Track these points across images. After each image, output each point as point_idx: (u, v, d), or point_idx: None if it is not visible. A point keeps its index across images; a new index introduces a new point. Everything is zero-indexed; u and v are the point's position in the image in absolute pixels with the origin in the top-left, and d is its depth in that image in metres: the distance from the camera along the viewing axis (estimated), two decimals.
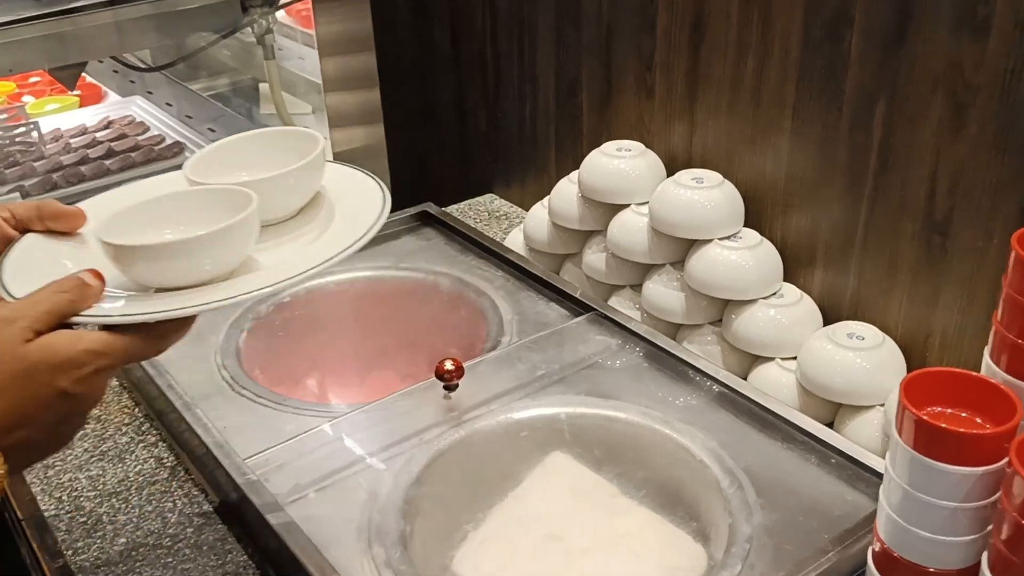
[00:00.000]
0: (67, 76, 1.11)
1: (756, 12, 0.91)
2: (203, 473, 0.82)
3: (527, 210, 1.20)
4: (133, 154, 1.26)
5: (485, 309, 1.04)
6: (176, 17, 1.08)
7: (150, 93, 1.55)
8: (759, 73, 0.92)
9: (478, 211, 1.33)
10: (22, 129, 1.29)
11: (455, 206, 1.33)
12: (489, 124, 1.34)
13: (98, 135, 1.34)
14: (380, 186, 0.76)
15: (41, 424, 0.58)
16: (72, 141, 1.32)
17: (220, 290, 0.64)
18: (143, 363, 0.91)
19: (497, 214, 1.32)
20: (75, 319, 0.60)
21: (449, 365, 0.85)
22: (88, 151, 1.28)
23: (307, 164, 0.73)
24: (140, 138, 1.32)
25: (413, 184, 1.43)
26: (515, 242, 1.18)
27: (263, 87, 1.51)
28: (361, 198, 0.75)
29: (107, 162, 1.24)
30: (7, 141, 1.28)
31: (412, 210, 1.20)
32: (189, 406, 0.85)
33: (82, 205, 0.71)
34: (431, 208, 1.20)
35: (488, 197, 1.37)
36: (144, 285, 0.66)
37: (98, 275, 0.63)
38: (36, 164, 1.24)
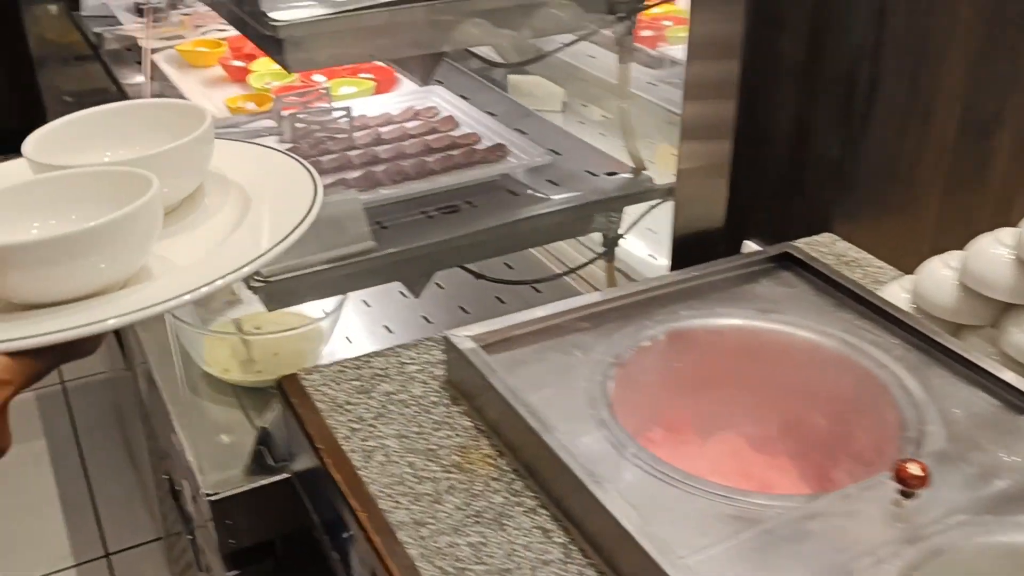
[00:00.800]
0: (421, 67, 1.02)
1: None
2: (613, 566, 0.70)
3: (879, 258, 1.05)
4: (454, 153, 1.15)
5: (887, 384, 0.88)
6: (538, 11, 0.96)
7: (439, 82, 1.45)
8: None
9: (820, 252, 1.17)
10: (338, 114, 1.20)
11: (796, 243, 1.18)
12: (845, 152, 1.18)
13: (407, 126, 1.24)
14: (307, 169, 0.66)
15: None
16: (382, 131, 1.23)
17: (129, 298, 0.52)
18: (508, 409, 0.80)
19: (844, 258, 1.16)
20: None
21: (915, 469, 0.70)
22: (402, 145, 1.18)
23: (197, 138, 0.63)
24: (454, 135, 1.22)
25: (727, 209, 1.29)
26: (894, 298, 1.02)
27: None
28: (282, 183, 0.65)
29: (428, 160, 1.14)
30: (317, 126, 1.20)
31: (772, 250, 1.06)
32: (588, 483, 0.72)
33: None
34: (795, 250, 1.06)
35: (827, 237, 1.21)
36: (11, 299, 0.53)
37: None
38: (351, 155, 1.15)
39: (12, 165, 0.67)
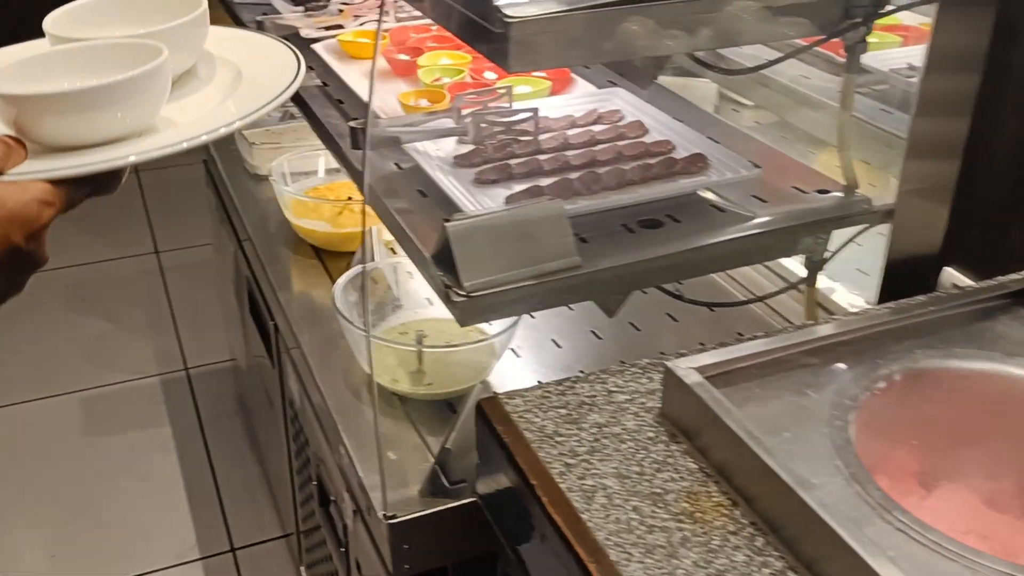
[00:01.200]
0: (641, 70, 0.95)
1: None
2: None
3: None
4: (651, 162, 1.08)
5: None
6: (776, 17, 0.88)
7: (612, 83, 1.38)
8: None
9: None
10: (523, 115, 1.14)
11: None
12: None
13: (594, 130, 1.18)
14: (291, 49, 0.81)
15: None
16: (569, 135, 1.16)
17: (147, 141, 0.66)
18: (745, 454, 0.73)
19: None
20: (8, 177, 0.61)
21: None
22: (593, 151, 1.12)
23: (194, 20, 0.75)
24: (645, 141, 1.14)
25: None
26: None
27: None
28: (268, 60, 0.78)
29: (624, 168, 1.07)
30: (501, 128, 1.15)
31: (1012, 284, 0.96)
32: (859, 549, 0.64)
33: None
34: None
35: None
36: (46, 143, 0.65)
37: (18, 141, 0.65)
38: (541, 159, 1.09)
39: (31, 44, 0.79)
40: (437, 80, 1.37)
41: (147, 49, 0.70)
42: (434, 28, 1.61)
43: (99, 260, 3.14)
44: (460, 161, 1.11)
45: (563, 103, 1.28)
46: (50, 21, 0.76)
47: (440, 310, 1.13)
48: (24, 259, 0.64)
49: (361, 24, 1.64)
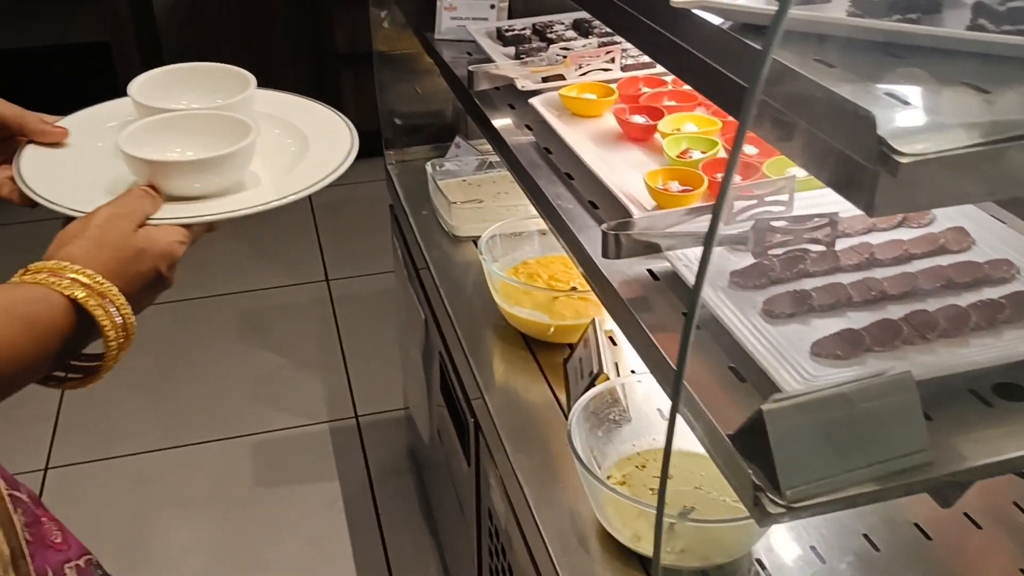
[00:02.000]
0: None
1: None
2: None
3: None
4: (995, 296, 0.84)
5: None
6: None
7: None
8: None
9: None
10: (817, 221, 0.92)
11: None
12: None
13: (903, 239, 0.94)
14: (342, 119, 1.02)
15: (137, 296, 0.80)
16: (874, 245, 0.93)
17: (248, 198, 0.88)
18: None
19: None
20: (155, 221, 0.84)
21: None
22: (908, 272, 0.88)
23: (252, 94, 0.98)
24: (976, 260, 0.90)
25: None
26: None
27: None
28: (324, 127, 1.01)
29: (961, 305, 0.83)
30: (790, 236, 0.92)
31: None
32: None
33: (63, 123, 0.98)
34: None
35: None
36: (171, 195, 0.87)
37: (155, 191, 0.86)
38: (845, 283, 0.87)
39: (113, 105, 1.03)
40: (685, 154, 1.16)
41: (235, 121, 0.92)
42: (668, 80, 1.40)
43: (270, 287, 3.09)
44: (739, 280, 0.90)
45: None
46: (135, 88, 0.97)
47: (686, 438, 0.93)
48: (164, 284, 0.83)
49: (583, 74, 1.44)
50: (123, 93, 0.98)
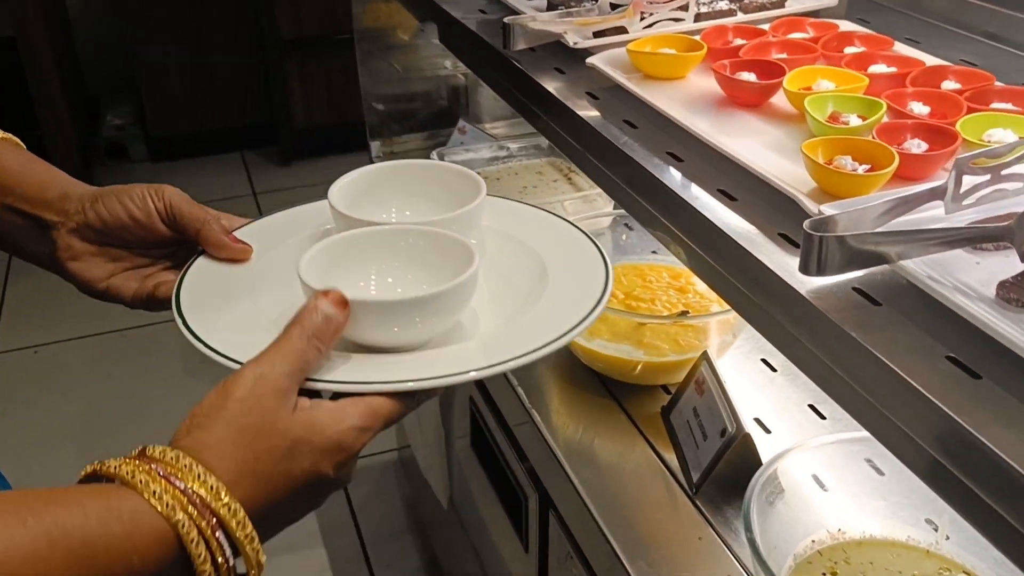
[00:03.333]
0: None
1: None
2: None
3: None
4: None
5: None
6: None
7: None
8: None
9: None
10: None
11: None
12: None
13: None
14: (593, 242, 0.78)
15: (282, 508, 0.57)
16: None
17: (469, 357, 0.64)
18: None
19: None
20: (340, 388, 0.60)
21: None
22: None
23: (480, 205, 0.79)
24: None
25: None
26: None
27: None
28: (570, 253, 0.77)
29: None
30: None
31: None
32: None
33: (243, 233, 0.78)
34: None
35: None
36: (357, 342, 0.65)
37: (343, 302, 0.61)
38: None
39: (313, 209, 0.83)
40: (837, 118, 0.87)
41: (446, 243, 0.72)
42: (767, 27, 1.11)
43: None
44: (1008, 295, 0.61)
45: None
46: (335, 194, 0.78)
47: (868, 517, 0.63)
48: (332, 484, 0.59)
49: (648, 26, 1.14)
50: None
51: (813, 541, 0.80)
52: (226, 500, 0.54)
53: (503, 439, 1.16)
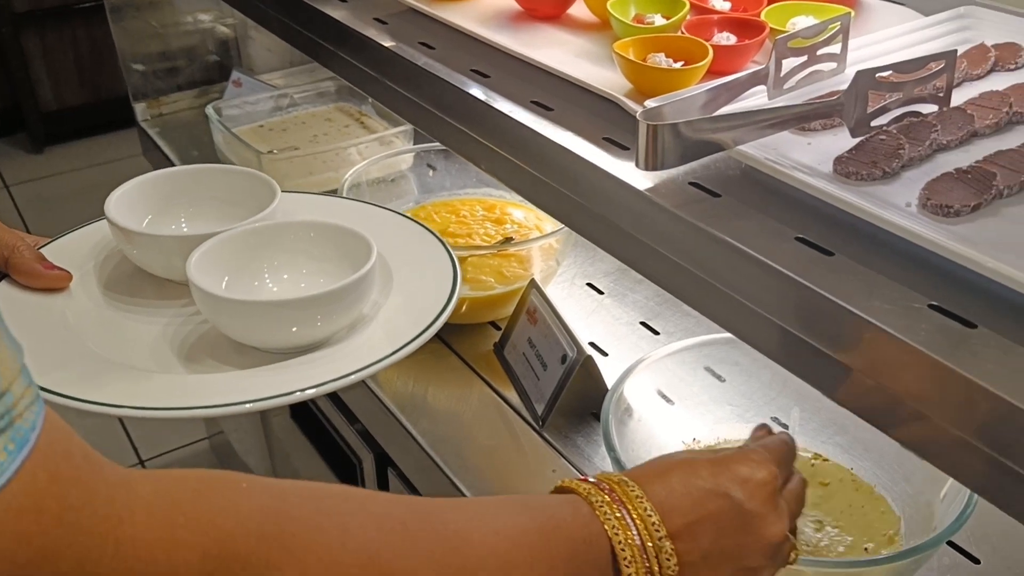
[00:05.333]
0: None
1: None
2: None
3: None
4: None
5: None
6: None
7: None
8: None
9: None
10: (936, 66, 0.64)
11: None
12: None
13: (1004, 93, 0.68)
14: (437, 238, 0.82)
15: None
16: (1002, 92, 0.67)
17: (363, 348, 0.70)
18: None
19: None
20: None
21: None
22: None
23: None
24: None
25: None
26: None
27: None
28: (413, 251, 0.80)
29: None
30: (899, 93, 0.64)
31: None
32: None
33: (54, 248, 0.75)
34: None
35: None
36: (264, 346, 0.68)
37: None
38: (1007, 150, 0.60)
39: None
40: (641, 20, 0.85)
41: (345, 233, 0.75)
42: None
43: None
44: (856, 168, 0.61)
45: (893, 42, 0.78)
46: (112, 206, 0.75)
47: (717, 424, 0.61)
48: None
49: None
50: None
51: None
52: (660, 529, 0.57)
53: (328, 405, 1.10)
